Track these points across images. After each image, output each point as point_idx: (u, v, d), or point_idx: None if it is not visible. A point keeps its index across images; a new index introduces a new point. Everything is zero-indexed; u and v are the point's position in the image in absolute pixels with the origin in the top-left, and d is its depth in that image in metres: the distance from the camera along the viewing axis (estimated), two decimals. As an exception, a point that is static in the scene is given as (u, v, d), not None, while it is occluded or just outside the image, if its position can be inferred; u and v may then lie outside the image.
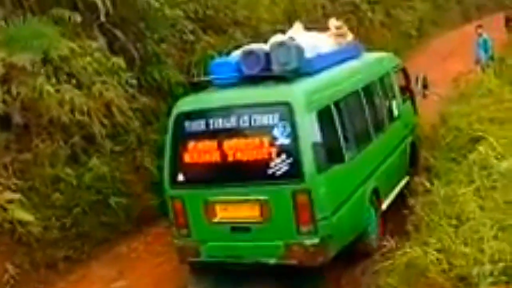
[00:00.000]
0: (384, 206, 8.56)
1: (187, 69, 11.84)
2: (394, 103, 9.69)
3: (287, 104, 6.90)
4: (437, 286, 5.26)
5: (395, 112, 9.68)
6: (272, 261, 7.00)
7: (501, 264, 5.05)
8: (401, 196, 8.94)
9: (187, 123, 7.25)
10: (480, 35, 16.68)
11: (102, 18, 9.83)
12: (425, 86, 10.74)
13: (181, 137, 7.27)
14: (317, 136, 6.98)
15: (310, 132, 6.92)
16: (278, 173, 6.87)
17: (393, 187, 8.96)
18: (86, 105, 9.14)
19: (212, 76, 7.86)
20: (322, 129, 7.06)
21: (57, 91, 8.96)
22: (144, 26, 10.90)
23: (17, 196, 8.22)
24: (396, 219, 8.61)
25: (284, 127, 6.87)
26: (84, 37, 9.89)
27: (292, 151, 6.84)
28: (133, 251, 9.50)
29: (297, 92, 7.15)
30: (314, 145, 6.89)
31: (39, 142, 8.94)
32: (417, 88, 10.72)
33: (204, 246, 7.28)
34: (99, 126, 9.38)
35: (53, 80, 9.08)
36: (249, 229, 7.06)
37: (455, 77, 14.95)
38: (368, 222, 7.97)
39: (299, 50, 7.57)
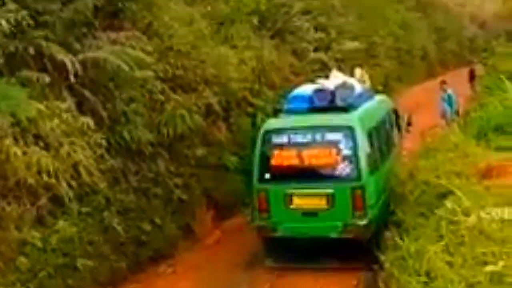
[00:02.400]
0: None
1: (156, 128, 11.84)
2: (393, 133, 12.52)
3: (350, 127, 9.87)
4: None
5: (395, 140, 12.48)
6: (333, 235, 9.70)
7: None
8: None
9: (273, 137, 10.10)
10: (444, 90, 17.09)
11: (72, 79, 9.83)
12: (408, 124, 13.57)
13: (268, 147, 10.08)
14: (368, 150, 9.93)
15: (365, 147, 9.87)
16: (342, 174, 9.78)
17: None
18: (53, 166, 9.03)
19: (289, 105, 10.70)
20: (369, 145, 10.01)
21: (24, 153, 8.86)
22: (113, 86, 10.91)
23: (-20, 261, 8.00)
24: (368, 275, 8.60)
25: (347, 142, 9.75)
26: (52, 98, 9.84)
27: (352, 159, 9.73)
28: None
29: (355, 119, 10.13)
30: (367, 155, 9.86)
31: (5, 205, 8.76)
32: (403, 124, 13.51)
33: (281, 226, 9.98)
34: (66, 188, 9.26)
35: (21, 142, 8.99)
36: (316, 213, 9.83)
37: (421, 131, 15.26)
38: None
39: (353, 89, 10.84)
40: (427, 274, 6.08)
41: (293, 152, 9.94)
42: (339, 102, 10.44)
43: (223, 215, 13.48)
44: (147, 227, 11.09)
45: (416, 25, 27.68)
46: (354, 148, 9.73)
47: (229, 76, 14.10)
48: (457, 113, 16.83)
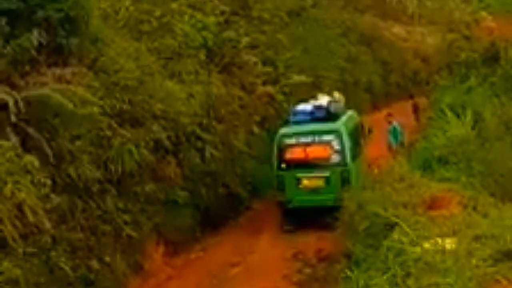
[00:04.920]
0: None
1: (104, 165, 11.69)
2: (361, 138, 15.82)
3: (338, 130, 14.02)
4: None
5: (362, 142, 15.76)
6: (329, 203, 12.91)
7: None
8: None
9: (286, 139, 14.08)
10: (390, 122, 17.48)
11: (13, 119, 9.64)
12: (369, 132, 16.60)
13: (283, 146, 14.03)
14: (350, 145, 13.94)
15: (348, 143, 13.86)
16: (334, 162, 13.80)
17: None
18: (-3, 207, 8.80)
19: (295, 116, 14.70)
20: (351, 142, 13.94)
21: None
22: (58, 123, 10.75)
23: None
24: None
25: (337, 141, 13.81)
26: (-5, 137, 9.65)
27: (341, 152, 13.75)
28: None
29: (341, 125, 14.29)
30: (351, 148, 13.87)
31: None
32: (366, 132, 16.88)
33: (294, 199, 13.80)
34: (10, 228, 9.02)
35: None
36: (318, 190, 13.77)
37: (369, 163, 15.54)
38: None
39: (339, 105, 15.14)
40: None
41: (300, 149, 13.96)
42: (331, 114, 14.49)
43: (174, 251, 13.34)
44: (96, 265, 10.90)
45: (361, 59, 28.24)
46: (342, 145, 13.76)
47: (178, 111, 14.10)
48: (402, 144, 17.20)
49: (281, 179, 13.97)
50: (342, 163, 13.72)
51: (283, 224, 14.17)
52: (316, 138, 13.96)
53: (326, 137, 13.91)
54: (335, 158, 13.78)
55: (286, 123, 14.79)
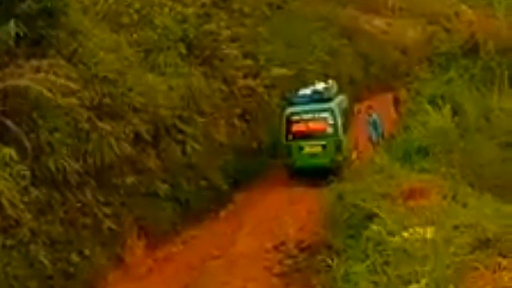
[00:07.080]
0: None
1: (83, 157, 11.59)
2: (350, 117, 18.87)
3: (331, 109, 17.27)
4: None
5: (350, 119, 18.71)
6: (326, 165, 16.19)
7: None
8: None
9: (292, 116, 17.37)
10: (370, 114, 17.56)
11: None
12: (358, 111, 19.53)
13: (289, 121, 17.36)
14: (342, 120, 17.18)
15: (340, 119, 17.11)
16: (329, 133, 17.06)
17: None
18: (-26, 199, 8.71)
19: (298, 98, 17.88)
20: (342, 118, 17.21)
21: None
22: (37, 115, 10.64)
23: None
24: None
25: (331, 117, 17.06)
26: (-28, 129, 9.53)
27: (334, 125, 17.03)
28: None
29: (334, 104, 17.52)
30: (342, 123, 17.11)
31: None
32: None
33: (297, 162, 17.14)
34: (-12, 221, 8.93)
35: None
36: (316, 154, 17.06)
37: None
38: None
39: (333, 89, 18.31)
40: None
41: (302, 123, 17.32)
42: (325, 96, 17.68)
43: (155, 243, 13.30)
44: (76, 258, 10.85)
45: (342, 52, 28.29)
46: (335, 120, 17.04)
47: (158, 104, 14.01)
48: (382, 136, 17.29)
49: (288, 147, 17.40)
50: (335, 134, 17.02)
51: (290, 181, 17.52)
52: (315, 115, 17.25)
53: (323, 114, 17.21)
54: (330, 130, 17.06)
55: (290, 103, 17.83)
